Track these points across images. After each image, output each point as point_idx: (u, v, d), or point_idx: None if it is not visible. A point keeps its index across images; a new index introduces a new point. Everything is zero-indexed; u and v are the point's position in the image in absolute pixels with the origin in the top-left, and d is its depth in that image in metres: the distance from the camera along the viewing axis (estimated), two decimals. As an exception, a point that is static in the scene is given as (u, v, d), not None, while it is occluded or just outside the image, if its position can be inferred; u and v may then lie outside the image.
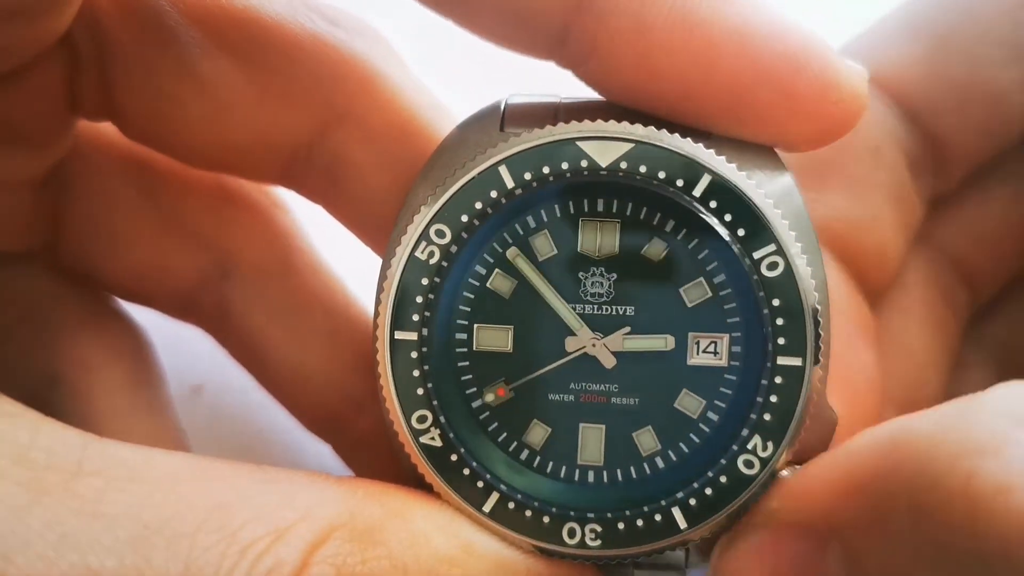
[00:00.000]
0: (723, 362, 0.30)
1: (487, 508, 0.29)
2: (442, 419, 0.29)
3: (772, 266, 0.29)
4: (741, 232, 0.29)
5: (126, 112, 0.32)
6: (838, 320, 0.31)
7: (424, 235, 0.30)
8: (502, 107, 0.32)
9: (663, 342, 0.30)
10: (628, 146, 0.29)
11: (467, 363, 0.31)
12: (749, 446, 0.28)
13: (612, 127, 0.30)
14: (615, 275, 0.30)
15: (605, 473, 0.30)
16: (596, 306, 0.30)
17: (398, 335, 0.29)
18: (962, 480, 0.21)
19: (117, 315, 0.36)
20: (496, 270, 0.31)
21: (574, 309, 0.30)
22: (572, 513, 0.29)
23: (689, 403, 0.30)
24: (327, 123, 0.33)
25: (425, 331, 0.30)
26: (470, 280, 0.31)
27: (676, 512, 0.28)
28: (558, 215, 0.31)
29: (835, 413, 0.30)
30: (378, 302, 0.30)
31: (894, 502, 0.22)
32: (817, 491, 0.26)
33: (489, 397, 0.31)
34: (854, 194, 0.33)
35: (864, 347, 0.33)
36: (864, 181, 0.33)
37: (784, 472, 0.29)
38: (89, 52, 0.31)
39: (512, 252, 0.31)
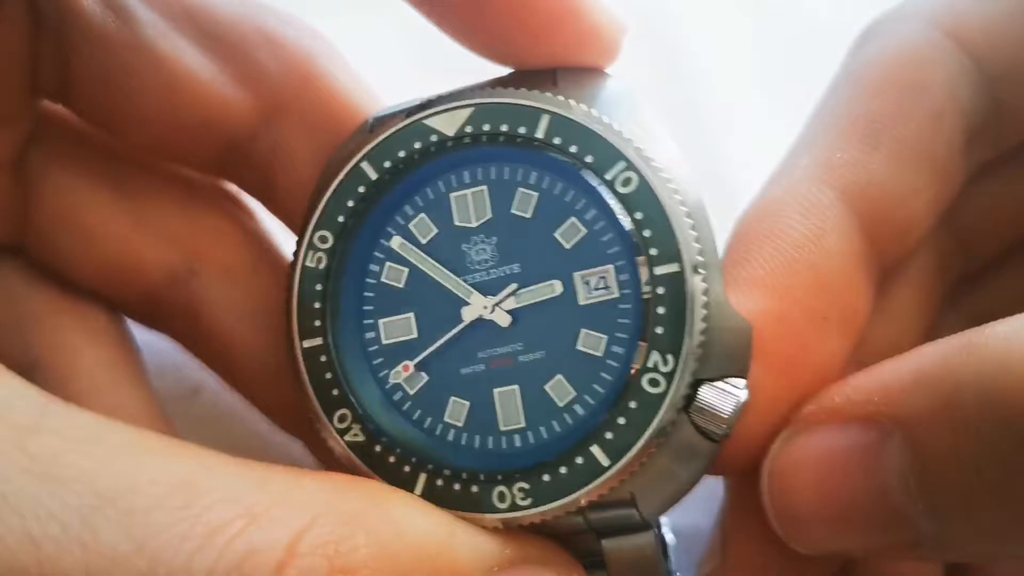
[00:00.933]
0: (615, 293, 0.30)
1: (418, 491, 0.29)
2: (360, 413, 0.30)
3: (626, 182, 0.29)
4: (589, 159, 0.29)
5: (82, 82, 0.32)
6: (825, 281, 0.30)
7: (311, 244, 0.31)
8: (369, 120, 0.33)
9: (550, 288, 0.30)
10: (469, 111, 0.30)
11: (381, 359, 0.31)
12: (650, 364, 0.28)
13: (452, 97, 0.31)
14: (495, 238, 0.31)
15: (530, 433, 0.30)
16: (484, 272, 0.31)
17: (306, 344, 0.31)
18: None
19: (89, 297, 0.36)
20: (387, 263, 0.32)
21: (465, 280, 0.31)
22: (499, 478, 0.29)
23: (591, 342, 0.30)
24: (272, 112, 0.34)
25: (330, 335, 0.31)
26: (367, 280, 0.32)
27: (596, 450, 0.28)
28: (431, 197, 0.32)
29: (746, 320, 0.29)
30: (285, 314, 0.31)
31: (964, 391, 0.22)
32: (883, 386, 0.25)
33: (397, 378, 0.31)
34: (901, 164, 0.31)
35: (837, 335, 0.30)
36: (917, 152, 0.31)
37: (704, 389, 0.28)
38: (50, 19, 0.31)
39: (396, 242, 0.32)
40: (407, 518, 0.25)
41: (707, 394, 0.28)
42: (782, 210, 0.30)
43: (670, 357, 0.28)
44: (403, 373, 0.31)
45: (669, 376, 0.28)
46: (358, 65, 0.36)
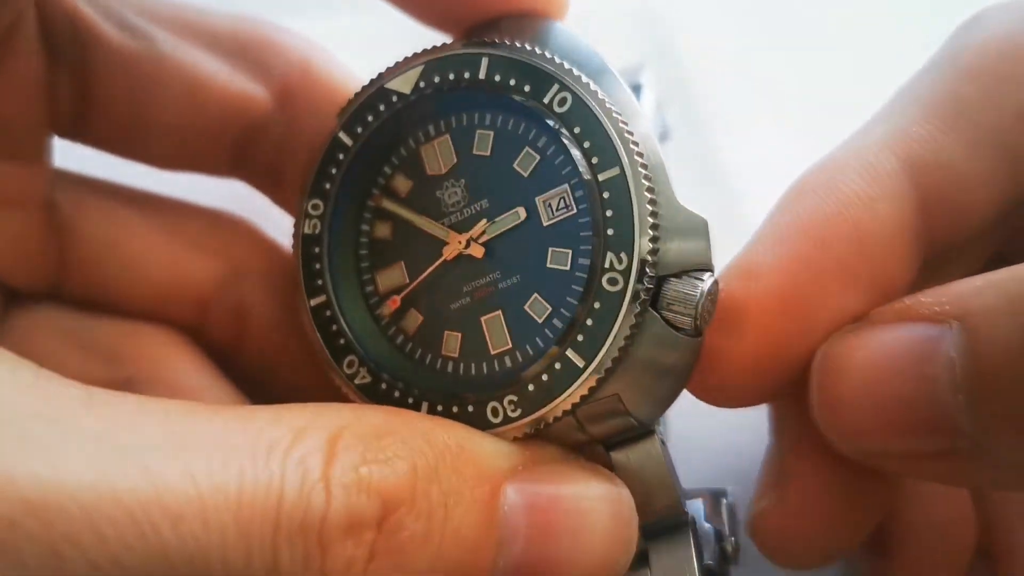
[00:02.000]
0: (573, 210, 0.32)
1: None
2: (364, 355, 0.33)
3: (561, 102, 0.31)
4: (527, 88, 0.31)
5: (102, 105, 0.34)
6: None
7: (306, 213, 0.34)
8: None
9: (516, 216, 0.32)
10: (420, 68, 0.33)
11: (380, 309, 0.34)
12: (607, 265, 0.30)
13: (406, 61, 0.34)
14: (463, 180, 0.34)
15: (518, 353, 0.32)
16: (458, 212, 0.33)
17: (313, 302, 0.34)
18: None
19: (143, 318, 0.37)
20: (375, 221, 0.35)
21: (443, 223, 0.34)
22: (492, 395, 0.31)
23: (558, 258, 0.32)
24: (284, 98, 0.38)
25: (331, 290, 0.34)
26: (361, 239, 0.35)
27: (571, 353, 0.30)
28: (403, 154, 0.35)
29: (699, 215, 0.30)
30: (295, 278, 0.34)
31: None
32: (952, 291, 0.25)
33: (386, 312, 0.34)
34: (976, 150, 0.30)
35: (863, 296, 0.30)
36: (994, 142, 0.30)
37: (668, 283, 0.30)
38: (66, 49, 0.33)
39: (378, 199, 0.35)
40: (427, 422, 0.27)
41: (670, 287, 0.30)
42: (842, 168, 0.30)
43: (623, 255, 0.29)
44: (390, 307, 0.34)
45: (625, 272, 0.29)
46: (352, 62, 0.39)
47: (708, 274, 0.30)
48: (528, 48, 0.32)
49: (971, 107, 0.30)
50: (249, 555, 0.21)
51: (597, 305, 0.30)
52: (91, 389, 0.23)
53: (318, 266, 0.34)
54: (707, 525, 0.33)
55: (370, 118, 0.34)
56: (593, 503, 0.28)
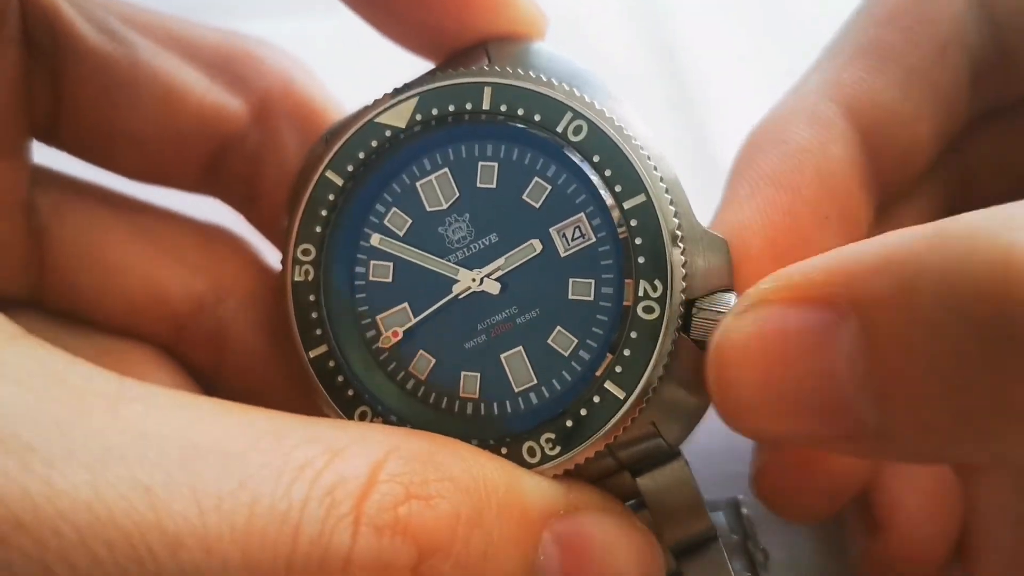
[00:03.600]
0: (592, 239, 0.31)
1: None
2: (380, 408, 0.31)
3: (577, 130, 0.30)
4: (538, 118, 0.30)
5: (76, 107, 0.33)
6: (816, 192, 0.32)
7: (295, 259, 0.32)
8: (324, 135, 0.34)
9: (531, 248, 0.31)
10: (415, 100, 0.31)
11: (387, 354, 0.33)
12: (640, 293, 0.29)
13: (396, 92, 0.32)
14: (467, 215, 0.32)
15: (544, 388, 0.31)
16: (465, 248, 0.32)
17: (312, 354, 0.32)
18: (1000, 250, 0.20)
19: (120, 333, 0.35)
20: (371, 262, 0.33)
21: (449, 260, 0.32)
22: (526, 434, 0.30)
23: (580, 289, 0.31)
24: (261, 111, 0.36)
25: (333, 341, 0.32)
26: (356, 282, 0.33)
27: (610, 386, 0.29)
28: (398, 191, 0.33)
29: (721, 236, 0.30)
30: (286, 330, 0.32)
31: (925, 276, 0.22)
32: (846, 267, 0.24)
33: (387, 344, 0.32)
34: (905, 88, 0.32)
35: (836, 235, 0.31)
36: (921, 79, 0.32)
37: (696, 306, 0.30)
38: (44, 47, 0.32)
39: (376, 239, 0.33)
40: (474, 457, 0.26)
41: (701, 311, 0.30)
42: (789, 120, 0.32)
43: (658, 282, 0.29)
44: (391, 339, 0.32)
45: (661, 299, 0.29)
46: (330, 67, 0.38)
47: (732, 294, 0.30)
48: (532, 75, 0.31)
49: (894, 49, 0.32)
50: None
51: (634, 335, 0.29)
52: (124, 382, 0.22)
53: (315, 315, 0.32)
54: (733, 536, 0.34)
55: (361, 155, 0.32)
56: (627, 556, 0.28)
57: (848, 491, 0.34)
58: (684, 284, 0.29)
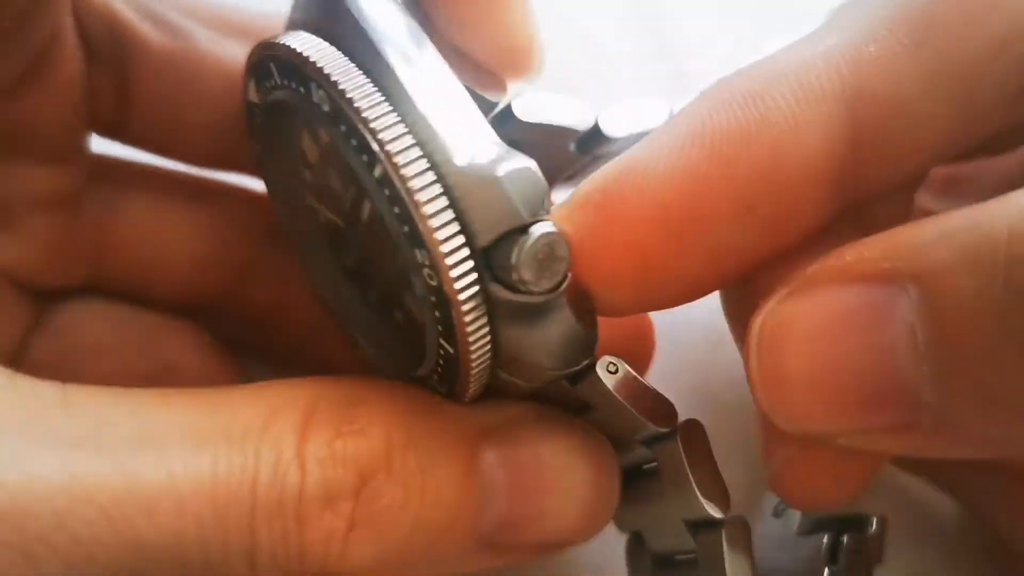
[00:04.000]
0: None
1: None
2: None
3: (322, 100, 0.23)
4: (294, 84, 0.24)
5: (143, 104, 0.33)
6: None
7: None
8: None
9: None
10: (252, 80, 0.27)
11: None
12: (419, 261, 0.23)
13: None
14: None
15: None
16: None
17: None
18: None
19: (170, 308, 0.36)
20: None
21: None
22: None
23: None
24: None
25: None
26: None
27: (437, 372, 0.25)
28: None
29: (492, 173, 0.22)
30: None
31: (994, 236, 0.20)
32: (902, 242, 0.22)
33: None
34: (934, 81, 0.26)
35: (757, 232, 0.25)
36: (959, 74, 0.26)
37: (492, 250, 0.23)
38: (105, 51, 0.32)
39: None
40: (396, 388, 0.26)
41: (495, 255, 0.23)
42: (777, 79, 0.26)
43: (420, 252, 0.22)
44: None
45: (435, 268, 0.22)
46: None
47: (524, 231, 0.22)
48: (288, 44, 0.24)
49: (943, 34, 0.26)
50: (226, 539, 0.22)
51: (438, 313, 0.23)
52: (66, 387, 0.23)
53: None
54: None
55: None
56: (573, 455, 0.27)
57: (865, 478, 0.31)
58: (465, 239, 0.22)
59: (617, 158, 0.24)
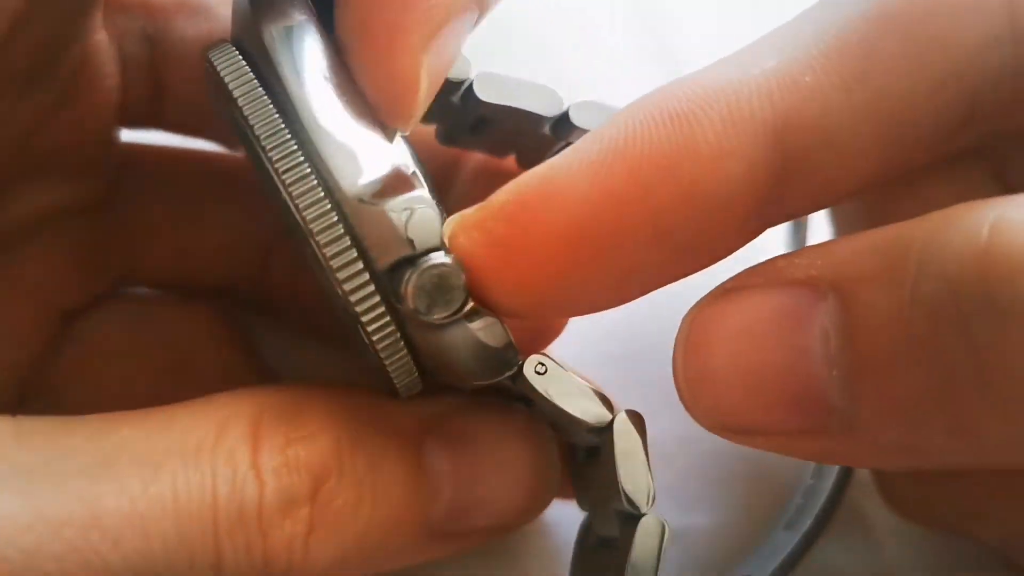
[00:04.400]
0: None
1: None
2: None
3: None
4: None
5: (178, 91, 0.32)
6: None
7: None
8: None
9: None
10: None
11: None
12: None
13: None
14: None
15: None
16: None
17: None
18: (988, 223, 0.20)
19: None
20: None
21: None
22: None
23: None
24: None
25: None
26: None
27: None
28: None
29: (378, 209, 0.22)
30: None
31: (910, 250, 0.21)
32: (830, 252, 0.23)
33: None
34: (870, 115, 0.26)
35: (663, 252, 0.25)
36: (896, 107, 0.26)
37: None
38: (137, 48, 0.31)
39: None
40: (337, 392, 0.26)
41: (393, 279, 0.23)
42: (709, 103, 0.25)
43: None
44: None
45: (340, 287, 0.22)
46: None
47: (412, 263, 0.23)
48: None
49: (882, 69, 0.25)
50: (192, 555, 0.22)
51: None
52: (17, 419, 0.23)
53: None
54: None
55: None
56: (511, 441, 0.27)
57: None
58: (361, 266, 0.22)
59: (535, 168, 0.24)
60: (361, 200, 0.22)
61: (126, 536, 0.21)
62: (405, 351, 0.24)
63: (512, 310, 0.24)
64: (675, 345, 0.25)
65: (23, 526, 0.21)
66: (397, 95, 0.25)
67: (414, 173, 0.23)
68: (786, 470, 0.34)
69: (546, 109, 0.28)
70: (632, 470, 0.25)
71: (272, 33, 0.23)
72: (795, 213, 0.27)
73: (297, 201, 0.22)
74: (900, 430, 0.22)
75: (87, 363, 0.32)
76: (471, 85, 0.27)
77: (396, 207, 0.22)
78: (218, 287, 0.36)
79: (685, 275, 0.25)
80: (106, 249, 0.33)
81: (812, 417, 0.23)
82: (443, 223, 0.23)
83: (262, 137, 0.22)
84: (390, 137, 0.24)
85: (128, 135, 0.34)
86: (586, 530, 0.28)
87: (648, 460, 0.25)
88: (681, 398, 0.25)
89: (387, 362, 0.24)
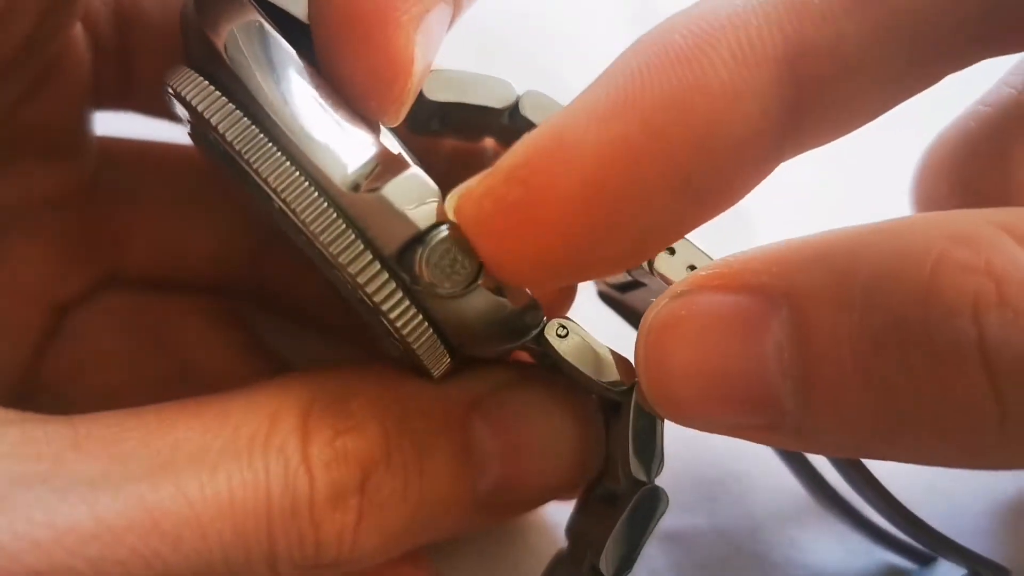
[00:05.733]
0: None
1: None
2: None
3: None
4: None
5: (146, 73, 0.31)
6: None
7: None
8: None
9: None
10: None
11: None
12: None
13: None
14: None
15: None
16: None
17: None
18: (932, 256, 0.20)
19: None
20: None
21: None
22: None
23: None
24: None
25: None
26: None
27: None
28: None
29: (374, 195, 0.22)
30: None
31: (859, 268, 0.21)
32: (784, 258, 0.23)
33: None
34: (877, 33, 0.24)
35: (695, 203, 0.24)
36: (901, 23, 0.24)
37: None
38: (110, 35, 0.31)
39: None
40: (383, 375, 0.26)
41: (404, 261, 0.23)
42: (715, 37, 0.24)
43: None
44: None
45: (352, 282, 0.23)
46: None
47: (420, 240, 0.23)
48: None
49: None
50: (248, 549, 0.22)
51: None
52: (74, 423, 0.23)
53: None
54: None
55: None
56: (557, 413, 0.28)
57: None
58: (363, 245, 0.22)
59: (542, 125, 0.23)
60: (355, 190, 0.22)
61: (185, 537, 0.22)
62: (431, 330, 0.24)
63: (530, 279, 0.24)
64: (636, 343, 0.25)
65: (88, 536, 0.21)
66: (389, 80, 0.25)
67: (400, 154, 0.22)
68: (786, 470, 0.34)
69: (497, 101, 0.28)
70: (645, 440, 0.26)
71: (228, 40, 0.23)
72: (813, 144, 0.25)
73: (292, 205, 0.22)
74: (845, 436, 0.23)
75: (84, 358, 0.32)
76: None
77: (392, 190, 0.22)
78: (212, 280, 0.35)
79: (704, 222, 0.24)
80: (93, 241, 0.33)
81: (766, 417, 0.23)
82: (441, 197, 0.22)
83: (244, 152, 0.22)
84: (373, 128, 0.24)
85: (115, 129, 0.34)
86: (597, 479, 0.28)
87: (662, 431, 0.26)
88: (645, 394, 0.25)
89: (415, 345, 0.24)
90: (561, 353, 0.25)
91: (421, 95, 0.26)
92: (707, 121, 0.23)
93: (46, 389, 0.33)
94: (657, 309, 0.25)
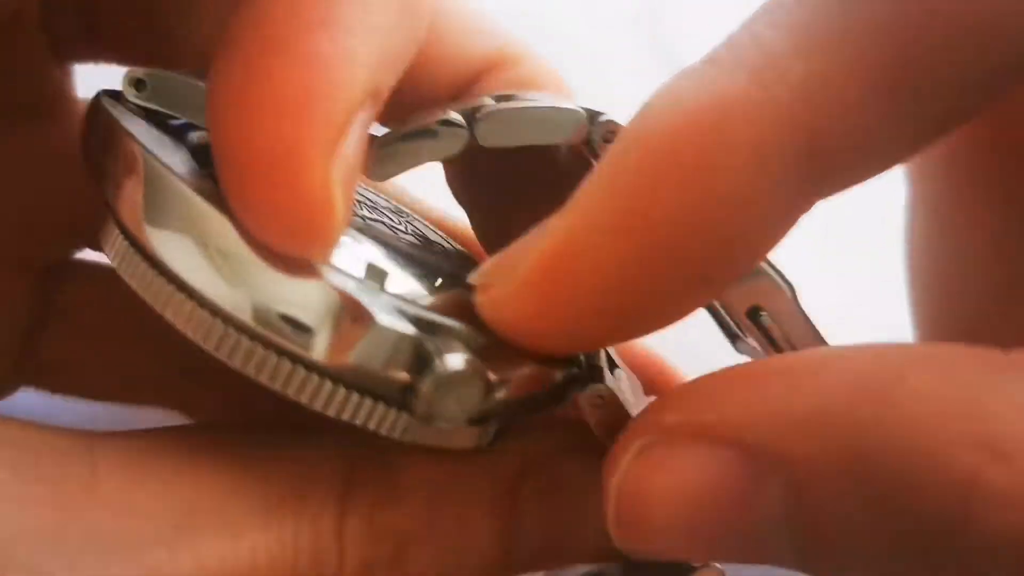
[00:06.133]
0: None
1: None
2: None
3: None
4: None
5: (108, 23, 0.31)
6: None
7: None
8: None
9: None
10: None
11: None
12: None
13: None
14: None
15: None
16: None
17: None
18: (966, 476, 0.18)
19: None
20: None
21: None
22: None
23: None
24: None
25: None
26: None
27: None
28: None
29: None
30: None
31: (873, 466, 0.20)
32: (773, 414, 0.21)
33: None
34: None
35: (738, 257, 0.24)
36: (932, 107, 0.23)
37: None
38: None
39: None
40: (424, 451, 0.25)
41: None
42: (724, 148, 0.22)
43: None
44: None
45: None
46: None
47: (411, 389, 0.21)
48: None
49: (922, 61, 0.22)
50: None
51: None
52: (94, 458, 0.22)
53: None
54: None
55: None
56: (589, 475, 0.27)
57: None
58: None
59: (545, 229, 0.22)
60: (340, 365, 0.19)
61: None
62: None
63: (556, 352, 0.24)
64: (607, 499, 0.24)
65: None
66: (307, 231, 0.22)
67: (362, 283, 0.20)
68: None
69: (561, 136, 0.25)
70: None
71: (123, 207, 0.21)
72: (830, 195, 0.23)
73: (276, 387, 0.20)
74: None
75: (77, 344, 0.31)
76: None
77: (370, 353, 0.19)
78: None
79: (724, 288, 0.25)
80: (66, 204, 0.30)
81: (760, 561, 0.23)
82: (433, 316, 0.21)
83: (204, 342, 0.20)
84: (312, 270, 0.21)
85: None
86: None
87: None
88: (617, 543, 0.24)
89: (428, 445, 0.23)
90: (593, 428, 0.25)
91: (473, 141, 0.23)
92: (725, 231, 0.23)
93: (44, 370, 0.33)
94: (625, 467, 0.23)
